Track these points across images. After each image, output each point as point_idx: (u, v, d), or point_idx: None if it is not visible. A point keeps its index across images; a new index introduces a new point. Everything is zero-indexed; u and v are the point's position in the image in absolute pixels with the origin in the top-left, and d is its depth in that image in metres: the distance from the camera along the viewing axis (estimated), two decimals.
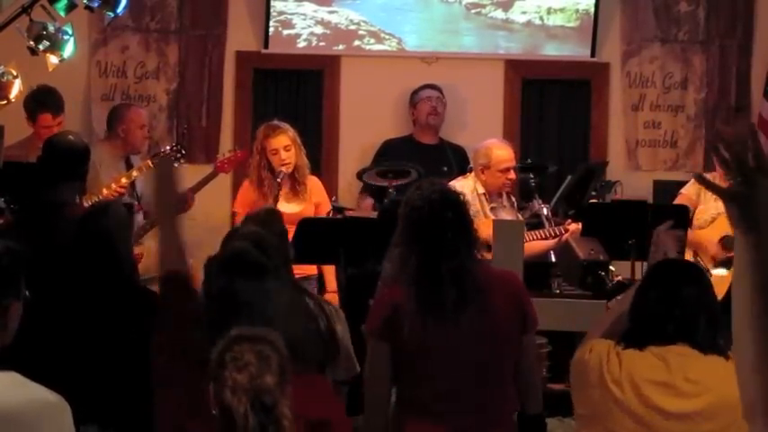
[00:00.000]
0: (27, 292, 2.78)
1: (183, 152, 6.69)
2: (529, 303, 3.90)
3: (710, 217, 6.73)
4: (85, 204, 5.89)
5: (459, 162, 7.36)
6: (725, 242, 6.67)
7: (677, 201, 6.80)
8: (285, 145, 6.44)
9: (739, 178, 1.96)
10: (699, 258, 6.62)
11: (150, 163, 6.59)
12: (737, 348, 2.01)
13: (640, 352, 3.25)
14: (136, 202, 6.64)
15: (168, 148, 6.72)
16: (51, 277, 4.13)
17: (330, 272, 6.44)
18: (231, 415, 2.44)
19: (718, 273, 6.42)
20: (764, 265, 1.95)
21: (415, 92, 7.69)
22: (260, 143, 6.51)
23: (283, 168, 6.41)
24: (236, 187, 7.15)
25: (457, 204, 3.88)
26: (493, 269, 4.08)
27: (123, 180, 6.46)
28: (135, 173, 6.55)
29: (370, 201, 7.23)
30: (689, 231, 6.52)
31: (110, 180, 6.42)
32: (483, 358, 3.79)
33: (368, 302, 3.84)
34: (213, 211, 7.22)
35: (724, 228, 6.68)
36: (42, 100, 6.62)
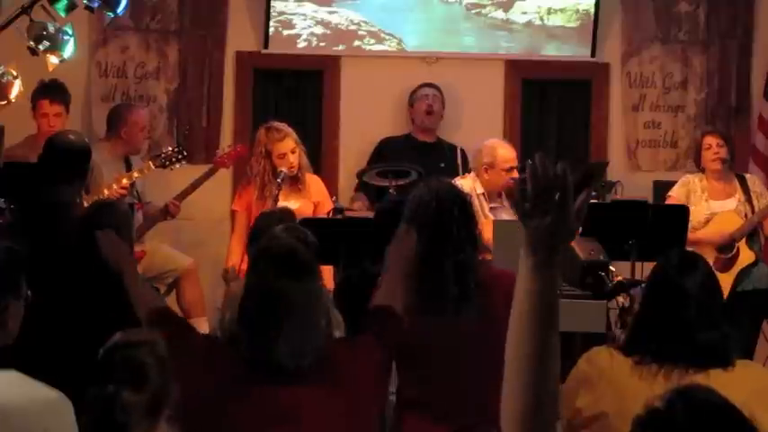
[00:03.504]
0: (29, 292, 2.78)
1: (185, 154, 6.70)
2: None
3: (704, 217, 6.72)
4: (86, 204, 5.91)
5: (456, 161, 7.36)
6: (720, 246, 6.67)
7: (666, 203, 6.79)
8: (292, 148, 6.50)
9: (537, 203, 1.97)
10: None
11: (151, 164, 6.59)
12: (507, 368, 1.99)
13: (636, 365, 3.17)
14: (136, 201, 6.65)
15: (170, 149, 6.73)
16: (52, 277, 4.13)
17: (326, 271, 6.45)
18: (84, 425, 2.43)
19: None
20: (542, 292, 1.96)
21: (413, 91, 7.69)
22: (264, 147, 6.52)
23: (285, 170, 6.43)
24: (235, 185, 7.15)
25: (463, 202, 3.91)
26: (494, 269, 4.09)
27: (124, 181, 6.47)
28: (136, 174, 6.56)
29: (362, 200, 7.23)
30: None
31: (111, 180, 6.43)
32: (482, 357, 3.78)
33: (364, 304, 3.83)
34: (213, 208, 7.23)
35: (721, 227, 6.68)
36: (43, 88, 6.67)
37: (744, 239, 6.69)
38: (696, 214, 6.71)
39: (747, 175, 6.93)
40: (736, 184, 6.79)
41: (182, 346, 2.79)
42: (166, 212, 6.76)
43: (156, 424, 2.46)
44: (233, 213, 6.74)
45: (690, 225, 6.71)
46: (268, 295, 3.03)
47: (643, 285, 5.13)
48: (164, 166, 6.62)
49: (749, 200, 6.74)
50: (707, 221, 6.71)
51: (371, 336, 3.28)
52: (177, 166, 6.69)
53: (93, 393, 2.43)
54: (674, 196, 6.80)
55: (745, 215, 6.71)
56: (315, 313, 3.08)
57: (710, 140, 6.78)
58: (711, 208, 6.71)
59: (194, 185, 6.77)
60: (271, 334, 2.99)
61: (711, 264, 6.52)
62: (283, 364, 2.99)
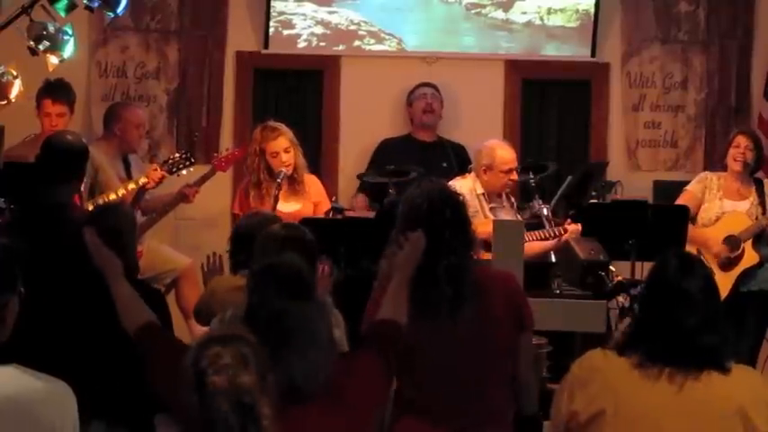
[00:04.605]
0: (22, 289, 2.79)
1: (192, 160, 6.69)
2: (525, 303, 3.89)
3: (715, 215, 6.73)
4: (90, 205, 5.91)
5: (458, 160, 7.37)
6: (729, 242, 6.67)
7: (681, 197, 6.79)
8: (285, 147, 6.49)
9: None
10: (703, 257, 6.61)
11: (159, 170, 6.57)
12: None
13: (633, 367, 3.16)
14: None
15: (177, 155, 6.72)
16: (52, 276, 4.13)
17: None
18: (212, 418, 2.43)
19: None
20: None
21: (411, 91, 7.70)
22: (258, 145, 6.53)
23: (284, 170, 6.43)
24: (235, 186, 7.15)
25: (456, 203, 3.88)
26: (489, 269, 4.09)
27: (131, 186, 6.46)
28: (144, 179, 6.54)
29: (362, 197, 7.22)
30: (693, 229, 6.52)
31: (118, 185, 6.42)
32: (479, 358, 3.78)
33: (363, 303, 3.83)
34: (212, 208, 7.23)
35: (728, 227, 6.68)
36: (47, 87, 6.67)
37: (750, 241, 6.69)
38: (708, 211, 6.72)
39: (766, 180, 6.92)
40: (753, 187, 6.80)
41: (174, 364, 2.78)
42: (183, 196, 6.73)
43: (268, 406, 2.47)
44: (233, 217, 6.73)
45: (700, 222, 6.72)
46: (280, 316, 3.00)
47: (642, 286, 5.14)
48: (171, 172, 6.62)
49: (762, 203, 6.74)
50: (717, 219, 6.72)
51: (374, 351, 3.26)
52: (184, 171, 6.68)
53: (206, 388, 2.43)
54: (690, 190, 6.81)
55: (756, 218, 6.71)
56: (324, 332, 3.07)
57: (741, 140, 6.78)
58: (724, 207, 6.72)
59: (203, 179, 6.76)
60: (284, 354, 2.97)
61: (718, 258, 6.60)
62: (298, 385, 2.98)
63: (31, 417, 2.63)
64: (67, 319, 4.10)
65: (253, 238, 4.21)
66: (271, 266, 3.17)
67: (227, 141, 7.64)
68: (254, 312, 3.05)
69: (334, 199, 6.84)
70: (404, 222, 3.80)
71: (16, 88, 5.92)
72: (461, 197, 3.96)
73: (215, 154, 7.00)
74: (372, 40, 7.83)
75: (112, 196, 6.25)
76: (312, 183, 6.70)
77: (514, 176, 6.59)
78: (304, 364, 2.97)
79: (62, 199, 5.16)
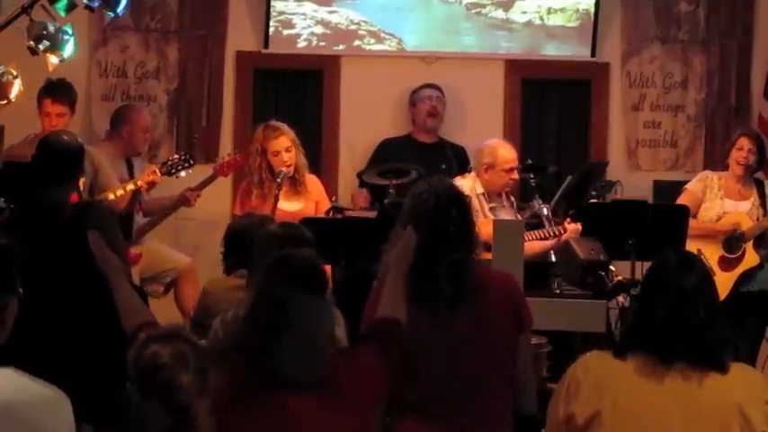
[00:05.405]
0: (21, 290, 2.79)
1: (191, 162, 6.69)
2: (524, 303, 3.89)
3: (716, 215, 6.73)
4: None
5: (458, 161, 7.37)
6: (727, 244, 6.67)
7: (682, 196, 6.79)
8: (286, 146, 6.50)
9: None
10: (702, 255, 6.62)
11: (158, 172, 6.57)
12: None
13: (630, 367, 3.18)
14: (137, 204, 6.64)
15: (176, 157, 6.72)
16: (47, 278, 4.13)
17: None
18: (147, 418, 2.43)
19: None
20: None
21: (415, 91, 7.70)
22: (260, 144, 6.53)
23: (285, 169, 6.44)
24: (236, 186, 7.15)
25: (462, 203, 3.89)
26: (489, 269, 4.08)
27: (130, 187, 6.46)
28: (141, 182, 6.54)
29: (364, 193, 7.21)
30: (694, 222, 6.52)
31: (117, 187, 6.42)
32: (478, 358, 3.78)
33: (363, 302, 3.83)
34: (212, 209, 7.22)
35: (729, 227, 6.68)
36: (47, 87, 6.66)
37: (752, 242, 6.69)
38: (709, 211, 6.72)
39: (766, 181, 6.92)
40: (754, 188, 6.79)
41: None
42: (185, 200, 6.74)
43: (204, 406, 2.47)
44: (233, 218, 6.72)
45: (701, 221, 6.72)
46: (280, 304, 3.00)
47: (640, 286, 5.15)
48: (169, 174, 6.62)
49: (763, 204, 6.74)
50: (718, 219, 6.72)
51: (374, 346, 3.26)
52: (183, 173, 6.68)
53: (146, 383, 2.43)
54: (691, 189, 6.80)
55: (757, 219, 6.71)
56: (324, 327, 3.07)
57: (744, 142, 6.77)
58: (725, 207, 6.72)
59: (204, 184, 6.77)
60: (279, 343, 2.98)
61: (716, 261, 6.60)
62: (288, 374, 2.98)
63: (28, 422, 2.62)
64: (59, 320, 4.09)
65: (245, 240, 4.21)
66: (285, 257, 3.17)
67: (227, 141, 7.64)
68: (262, 299, 3.04)
69: (334, 198, 6.84)
70: (408, 217, 3.79)
71: (16, 88, 5.92)
72: (468, 198, 3.96)
73: (216, 159, 7.00)
74: (372, 40, 7.83)
75: (111, 197, 6.26)
76: (312, 182, 6.71)
77: (515, 175, 6.60)
78: (298, 355, 2.97)
79: (59, 199, 5.15)
